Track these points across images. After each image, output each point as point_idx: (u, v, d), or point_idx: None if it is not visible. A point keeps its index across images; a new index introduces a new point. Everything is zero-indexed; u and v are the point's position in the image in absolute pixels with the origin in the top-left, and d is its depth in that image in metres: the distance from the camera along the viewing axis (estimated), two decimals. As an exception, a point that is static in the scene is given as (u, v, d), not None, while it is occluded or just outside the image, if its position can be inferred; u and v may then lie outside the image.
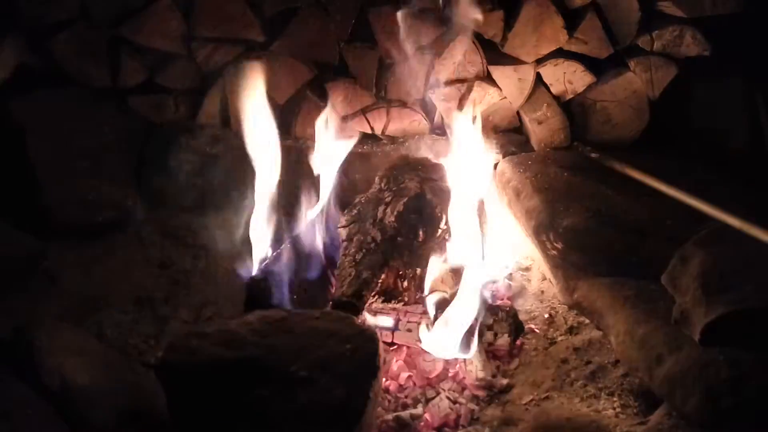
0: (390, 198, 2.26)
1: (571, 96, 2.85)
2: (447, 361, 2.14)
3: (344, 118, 2.80)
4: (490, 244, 2.41)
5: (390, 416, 1.95)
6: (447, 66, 2.76)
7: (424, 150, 2.71)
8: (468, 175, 2.45)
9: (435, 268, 2.24)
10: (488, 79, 2.82)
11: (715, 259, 1.85)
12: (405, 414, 1.96)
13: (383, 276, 2.14)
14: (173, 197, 2.58)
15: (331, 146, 2.54)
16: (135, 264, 2.38)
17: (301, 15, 2.65)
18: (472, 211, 2.33)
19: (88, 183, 2.47)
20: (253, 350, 1.71)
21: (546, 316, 2.35)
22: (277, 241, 2.37)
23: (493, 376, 2.13)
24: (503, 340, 2.21)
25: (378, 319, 2.21)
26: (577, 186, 2.51)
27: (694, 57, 2.77)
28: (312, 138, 2.79)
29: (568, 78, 2.81)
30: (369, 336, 1.81)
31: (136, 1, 2.57)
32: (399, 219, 2.21)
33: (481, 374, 2.11)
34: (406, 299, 2.20)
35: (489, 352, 2.19)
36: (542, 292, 2.47)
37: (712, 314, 1.72)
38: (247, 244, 2.37)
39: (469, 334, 2.11)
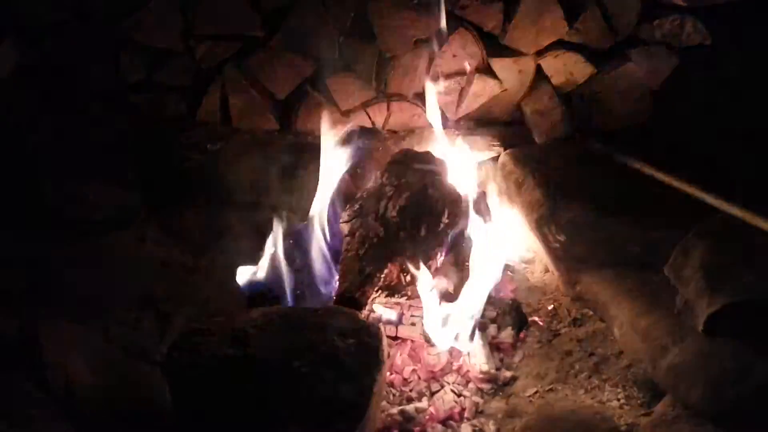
0: (392, 192, 2.25)
1: (572, 87, 2.84)
2: (451, 354, 2.14)
3: (345, 113, 2.79)
4: (491, 237, 2.40)
5: (395, 410, 1.96)
6: (447, 59, 2.75)
7: (425, 144, 2.70)
8: (467, 168, 2.45)
9: (437, 261, 2.24)
10: (488, 71, 2.81)
11: (717, 250, 1.85)
12: (410, 407, 1.97)
13: (386, 270, 2.14)
14: (174, 195, 2.58)
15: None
16: (137, 262, 2.38)
17: (299, 9, 2.64)
18: (473, 204, 2.33)
19: (89, 182, 2.47)
20: (257, 346, 1.71)
21: (549, 308, 2.35)
22: (280, 237, 2.37)
23: (497, 368, 2.13)
24: (507, 333, 2.21)
25: (381, 313, 2.21)
26: (579, 178, 2.50)
27: (694, 46, 2.75)
28: (312, 133, 2.79)
29: (568, 69, 2.79)
30: (372, 331, 1.82)
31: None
32: (401, 213, 2.20)
33: (485, 367, 2.11)
34: (409, 293, 2.20)
35: (493, 345, 2.19)
36: (545, 284, 2.47)
37: (715, 305, 1.72)
38: (248, 240, 2.37)
39: (472, 327, 2.11)
